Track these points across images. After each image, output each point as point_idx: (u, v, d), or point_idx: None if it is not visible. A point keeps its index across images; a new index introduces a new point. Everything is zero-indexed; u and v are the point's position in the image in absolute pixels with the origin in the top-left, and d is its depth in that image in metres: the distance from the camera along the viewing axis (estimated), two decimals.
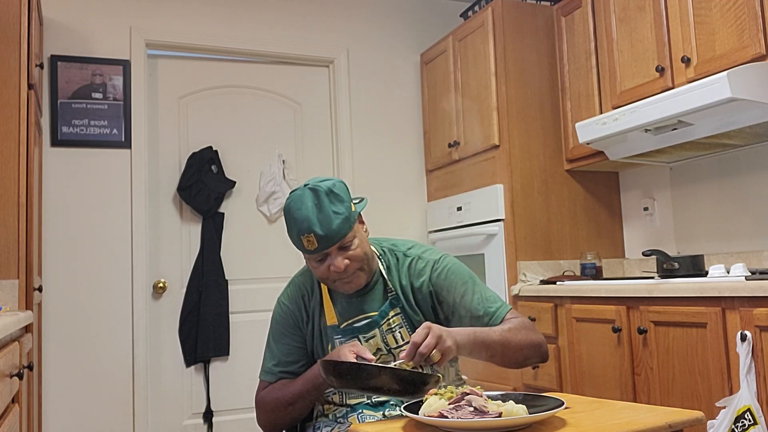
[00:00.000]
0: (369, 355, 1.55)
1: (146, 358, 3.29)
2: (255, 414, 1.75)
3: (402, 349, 1.66)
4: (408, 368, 1.46)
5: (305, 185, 1.66)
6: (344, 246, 1.63)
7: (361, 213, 1.74)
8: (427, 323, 1.50)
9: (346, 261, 1.62)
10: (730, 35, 2.42)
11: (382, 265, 1.77)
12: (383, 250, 1.80)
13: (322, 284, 1.76)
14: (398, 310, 1.72)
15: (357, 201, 1.75)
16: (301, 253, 1.70)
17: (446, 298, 1.72)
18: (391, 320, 1.71)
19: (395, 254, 1.80)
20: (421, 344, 1.44)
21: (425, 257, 1.77)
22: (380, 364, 1.45)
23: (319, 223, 1.58)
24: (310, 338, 1.75)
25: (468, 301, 1.71)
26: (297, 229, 1.61)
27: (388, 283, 1.74)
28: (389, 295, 1.73)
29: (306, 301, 1.77)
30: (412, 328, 1.70)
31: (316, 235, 1.58)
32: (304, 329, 1.76)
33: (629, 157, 2.94)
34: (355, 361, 1.46)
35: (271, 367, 1.75)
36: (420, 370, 1.45)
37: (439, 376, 1.43)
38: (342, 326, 1.71)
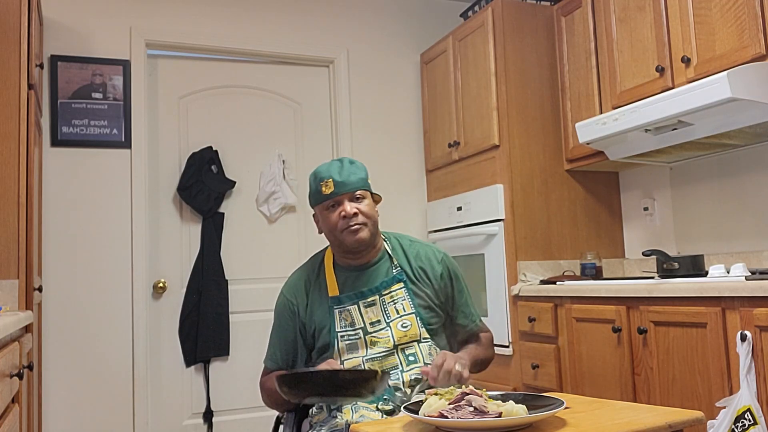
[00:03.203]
0: (339, 367, 1.72)
1: (146, 358, 3.29)
2: (259, 401, 1.93)
3: (401, 317, 1.83)
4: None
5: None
6: (355, 198, 1.84)
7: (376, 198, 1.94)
8: (442, 352, 1.70)
9: (356, 209, 1.82)
10: (730, 35, 2.42)
11: (388, 246, 1.95)
12: (389, 236, 1.99)
13: (326, 260, 1.93)
14: (402, 285, 1.87)
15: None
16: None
17: (453, 287, 1.94)
18: (394, 292, 1.86)
19: (400, 241, 1.98)
20: (443, 364, 1.63)
21: (434, 248, 1.99)
22: (328, 369, 1.62)
23: (338, 173, 1.83)
24: (312, 318, 1.87)
25: (459, 305, 1.95)
26: (319, 179, 1.84)
27: (394, 260, 1.91)
28: (395, 270, 1.89)
29: (308, 285, 1.92)
30: (414, 300, 1.86)
31: (333, 181, 1.81)
32: (303, 314, 1.89)
33: (629, 157, 2.94)
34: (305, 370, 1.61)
35: (270, 355, 1.93)
36: (362, 368, 1.61)
37: (378, 371, 1.55)
38: (340, 295, 1.86)
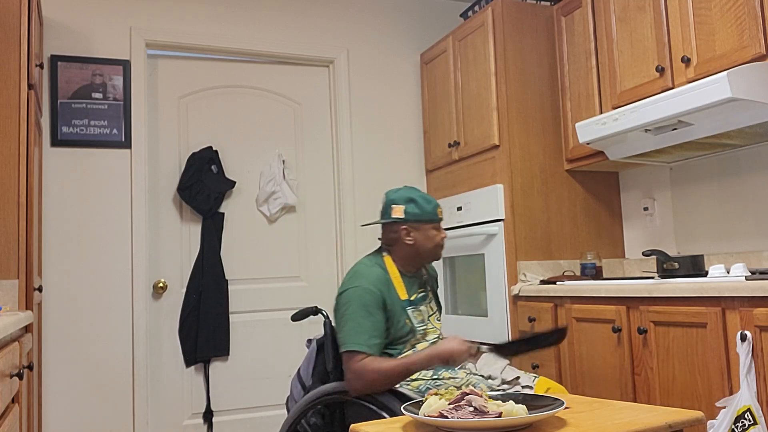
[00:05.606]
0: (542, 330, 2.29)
1: (146, 358, 3.29)
2: (352, 383, 2.10)
3: (434, 313, 2.39)
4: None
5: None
6: None
7: None
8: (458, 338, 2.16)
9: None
10: (730, 35, 2.42)
11: None
12: None
13: (389, 268, 2.32)
14: (428, 288, 2.42)
15: None
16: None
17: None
18: (427, 293, 2.41)
19: None
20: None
21: None
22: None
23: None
24: (392, 313, 2.25)
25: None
26: (434, 204, 2.34)
27: (428, 270, 2.47)
28: (425, 277, 2.43)
29: (384, 287, 2.27)
30: (433, 301, 2.43)
31: (440, 210, 2.37)
32: (388, 308, 2.25)
33: (629, 157, 2.94)
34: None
35: (366, 340, 2.14)
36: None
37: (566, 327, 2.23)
38: (411, 298, 2.32)
